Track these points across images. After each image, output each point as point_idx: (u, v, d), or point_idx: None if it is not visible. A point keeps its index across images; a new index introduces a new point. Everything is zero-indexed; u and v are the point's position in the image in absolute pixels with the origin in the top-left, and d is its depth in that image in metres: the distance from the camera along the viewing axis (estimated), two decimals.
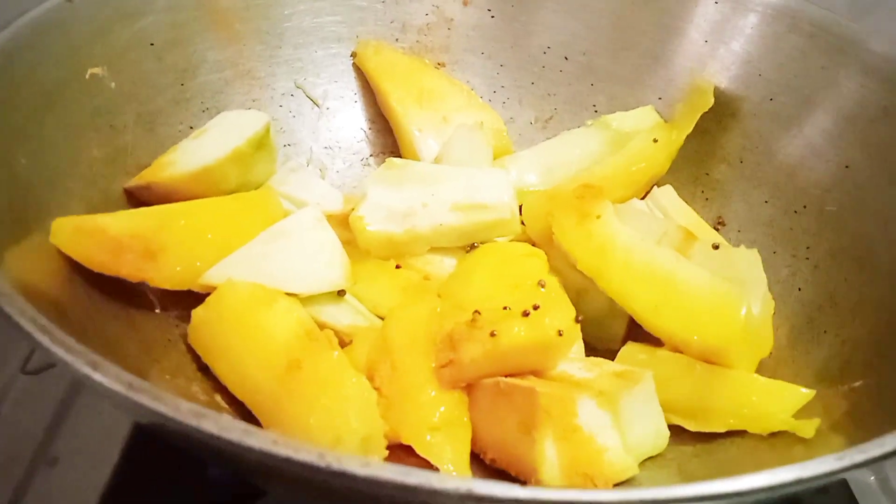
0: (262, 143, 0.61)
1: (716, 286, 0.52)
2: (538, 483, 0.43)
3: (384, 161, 0.62)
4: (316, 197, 0.62)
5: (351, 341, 0.52)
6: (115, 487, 0.55)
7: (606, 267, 0.55)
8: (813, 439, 0.44)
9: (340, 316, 0.54)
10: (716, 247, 0.57)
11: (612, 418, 0.45)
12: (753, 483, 0.27)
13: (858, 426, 0.43)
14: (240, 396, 0.47)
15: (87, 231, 0.48)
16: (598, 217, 0.57)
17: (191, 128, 0.64)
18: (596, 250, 0.56)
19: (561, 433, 0.44)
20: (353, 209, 0.58)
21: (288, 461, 0.27)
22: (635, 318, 0.53)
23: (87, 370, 0.29)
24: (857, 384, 0.48)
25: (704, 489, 0.27)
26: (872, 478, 0.61)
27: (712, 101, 0.67)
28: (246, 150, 0.59)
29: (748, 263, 0.56)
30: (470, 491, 0.26)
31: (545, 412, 0.44)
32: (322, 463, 0.27)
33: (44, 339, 0.31)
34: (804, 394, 0.48)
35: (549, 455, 0.43)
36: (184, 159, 0.58)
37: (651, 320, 0.52)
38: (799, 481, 0.27)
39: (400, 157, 0.70)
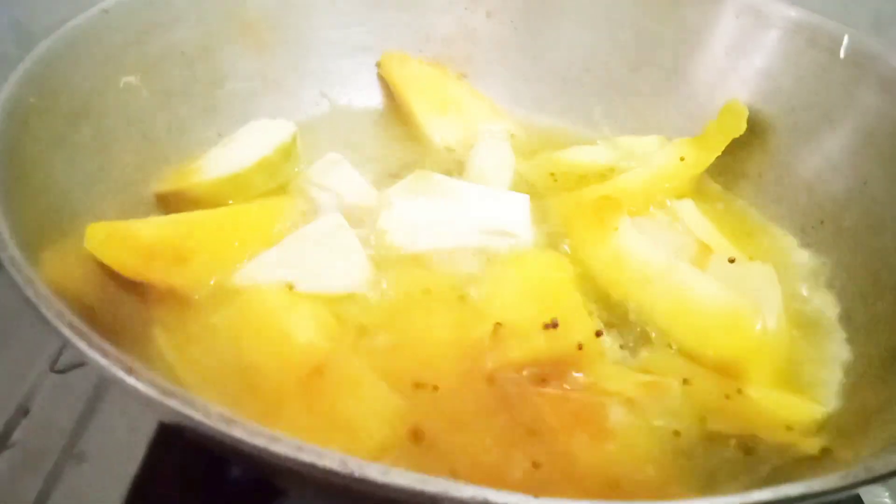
0: (288, 152, 0.63)
1: (730, 300, 0.53)
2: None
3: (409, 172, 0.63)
4: (350, 190, 0.62)
5: None
6: (141, 483, 0.56)
7: (624, 278, 0.56)
8: (821, 456, 0.44)
9: None
10: (732, 261, 0.57)
11: (642, 425, 0.46)
12: (759, 498, 0.28)
13: (869, 443, 0.43)
14: (257, 402, 0.48)
15: (119, 237, 0.50)
16: (616, 229, 0.58)
17: (219, 135, 0.66)
18: (612, 261, 0.57)
19: (592, 438, 0.45)
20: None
21: (312, 467, 0.28)
22: (656, 331, 0.54)
23: (122, 374, 0.31)
24: (868, 400, 0.48)
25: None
26: (887, 494, 0.61)
27: (745, 126, 0.67)
28: (274, 158, 0.61)
29: (764, 278, 0.56)
30: (486, 500, 0.27)
31: (576, 418, 0.45)
32: (345, 470, 0.28)
33: (80, 343, 0.32)
34: (816, 411, 0.48)
35: (581, 458, 0.44)
36: (212, 166, 0.60)
37: (668, 332, 0.53)
38: (804, 497, 0.28)
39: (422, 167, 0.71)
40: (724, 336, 0.52)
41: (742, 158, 0.68)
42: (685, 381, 0.48)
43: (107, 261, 0.49)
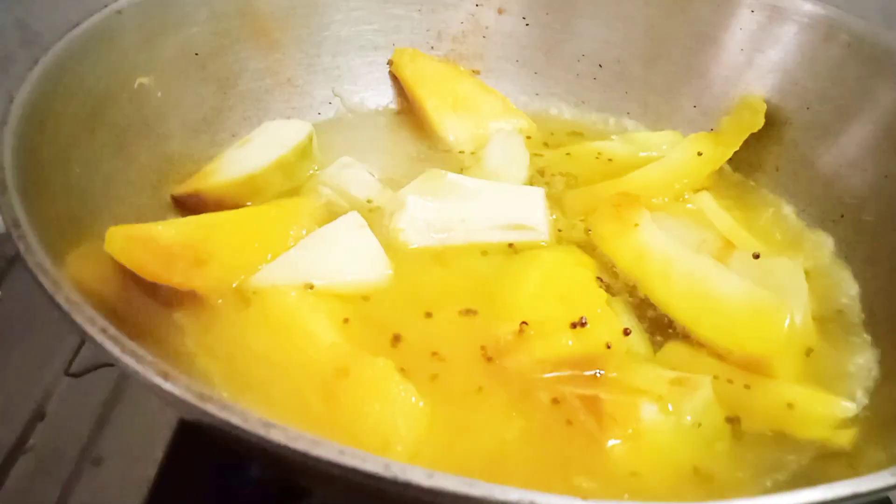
0: (305, 152, 0.62)
1: (757, 296, 0.53)
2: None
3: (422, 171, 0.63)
4: (364, 191, 0.63)
5: None
6: (159, 486, 0.56)
7: (646, 275, 0.56)
8: (851, 451, 0.44)
9: None
10: (756, 256, 0.57)
11: (675, 422, 0.45)
12: (808, 498, 0.28)
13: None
14: (280, 403, 0.48)
15: (139, 240, 0.49)
16: (637, 225, 0.58)
17: (233, 135, 0.65)
18: (635, 258, 0.57)
19: (626, 436, 0.44)
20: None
21: (354, 471, 0.28)
22: (682, 327, 0.54)
23: (157, 379, 0.31)
24: (892, 400, 0.48)
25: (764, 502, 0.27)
26: None
27: (762, 121, 0.67)
28: (290, 158, 0.61)
29: (789, 273, 0.56)
30: (533, 502, 0.27)
31: (610, 417, 0.45)
32: (388, 474, 0.28)
33: (114, 349, 0.32)
34: (844, 406, 0.48)
35: (615, 456, 0.44)
36: (229, 167, 0.60)
37: (692, 328, 0.53)
38: (855, 496, 0.28)
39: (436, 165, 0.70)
40: (751, 332, 0.51)
41: (758, 153, 0.68)
42: (714, 377, 0.48)
43: (127, 264, 0.48)
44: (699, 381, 0.47)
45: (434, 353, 0.50)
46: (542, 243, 0.59)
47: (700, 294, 0.54)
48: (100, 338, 0.32)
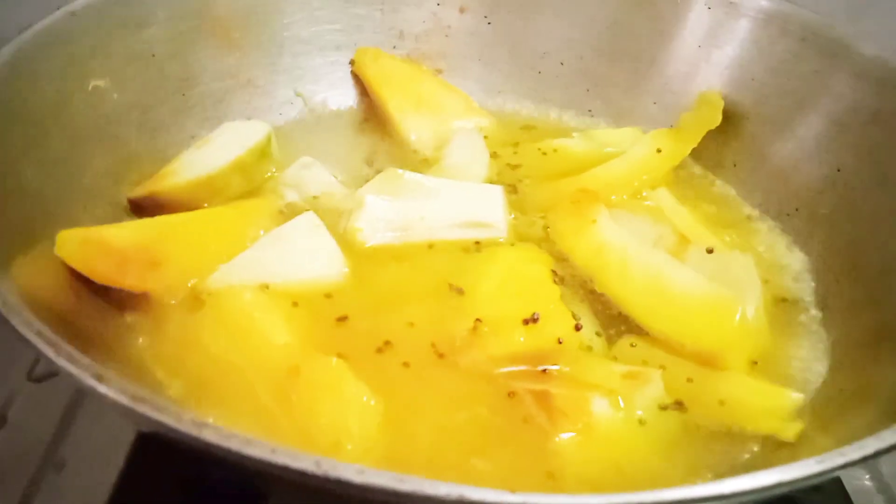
0: (263, 153, 0.62)
1: (709, 291, 0.53)
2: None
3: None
4: (324, 192, 0.63)
5: None
6: (121, 491, 0.55)
7: (603, 270, 0.57)
8: (800, 442, 0.44)
9: None
10: (710, 251, 0.58)
11: (625, 416, 0.46)
12: (736, 486, 0.28)
13: (847, 428, 0.44)
14: (235, 404, 0.48)
15: (91, 243, 0.49)
16: (594, 221, 0.59)
17: (192, 137, 0.65)
18: (592, 254, 0.58)
19: (577, 430, 0.45)
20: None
21: (286, 469, 0.28)
22: (636, 322, 0.54)
23: (91, 382, 0.30)
24: (845, 386, 0.48)
25: (689, 493, 0.28)
26: (868, 476, 0.62)
27: (720, 118, 0.67)
28: (248, 158, 0.61)
29: (742, 267, 0.56)
30: (461, 496, 0.27)
31: (561, 412, 0.45)
32: (319, 471, 0.28)
33: (48, 351, 0.32)
34: (793, 398, 0.48)
35: (566, 451, 0.44)
36: (186, 169, 0.60)
37: (647, 323, 0.54)
38: (780, 484, 0.28)
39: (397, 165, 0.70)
40: (704, 326, 0.52)
41: (717, 148, 0.69)
42: (664, 370, 0.48)
43: (79, 267, 0.48)
44: (650, 374, 0.47)
45: (389, 351, 0.50)
46: (501, 240, 0.60)
47: (654, 289, 0.54)
48: (34, 339, 0.32)
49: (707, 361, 0.51)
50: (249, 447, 0.28)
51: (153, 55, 0.63)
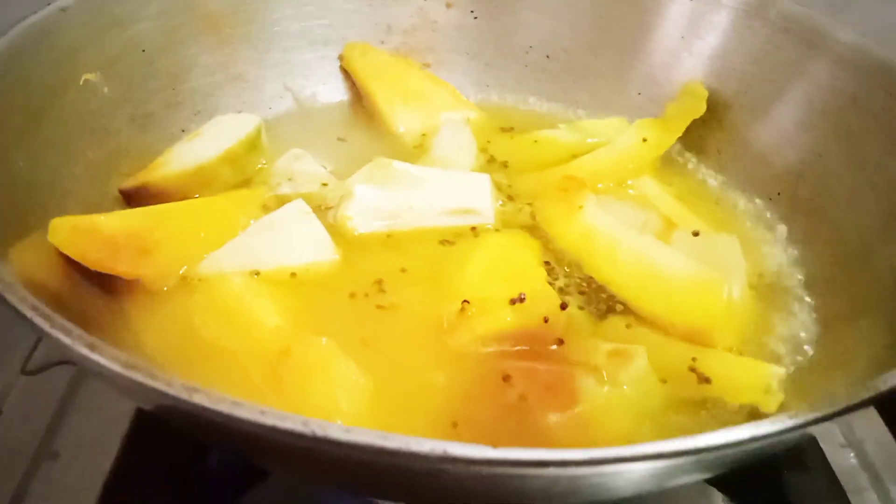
0: (253, 145, 0.63)
1: (697, 271, 0.54)
2: None
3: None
4: (314, 182, 0.63)
5: None
6: (115, 479, 0.56)
7: (591, 255, 0.58)
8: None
9: None
10: (696, 234, 0.59)
11: (610, 392, 0.46)
12: (710, 441, 0.29)
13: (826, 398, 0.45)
14: (228, 388, 0.48)
15: (83, 230, 0.50)
16: (581, 207, 0.59)
17: (182, 130, 0.66)
18: (580, 239, 0.58)
19: (563, 407, 0.45)
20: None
21: (274, 430, 0.29)
22: (623, 303, 0.55)
23: (85, 351, 0.31)
24: (826, 360, 0.49)
25: (661, 447, 0.28)
26: (853, 455, 0.63)
27: (705, 107, 0.68)
28: (238, 150, 0.62)
29: (728, 249, 0.57)
30: (445, 452, 0.28)
31: (548, 388, 0.46)
32: (307, 430, 0.28)
33: (44, 325, 0.33)
34: (775, 372, 0.49)
35: (552, 426, 0.45)
36: (177, 160, 0.60)
37: (637, 305, 0.54)
38: (754, 439, 0.29)
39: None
40: (692, 305, 0.53)
41: (701, 136, 0.70)
42: (652, 347, 0.49)
43: (71, 253, 0.49)
44: (635, 351, 0.48)
45: (379, 334, 0.51)
46: (489, 227, 0.61)
47: (643, 271, 0.55)
48: (30, 314, 0.33)
49: (695, 340, 0.52)
50: (238, 409, 0.29)
51: (143, 50, 0.64)
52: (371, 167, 0.62)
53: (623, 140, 0.70)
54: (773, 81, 0.66)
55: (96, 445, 0.59)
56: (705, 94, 0.69)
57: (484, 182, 0.63)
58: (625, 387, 0.47)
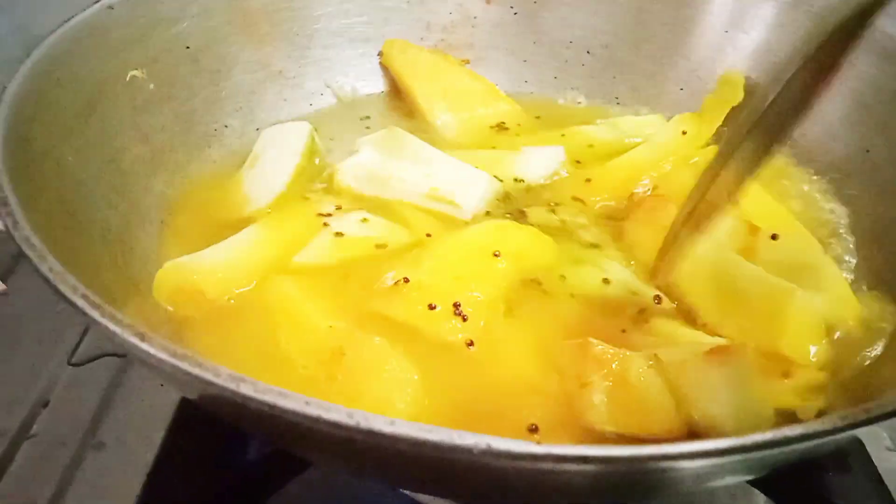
0: (312, 150, 0.64)
1: (774, 286, 0.52)
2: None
3: None
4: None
5: None
6: (159, 469, 0.57)
7: (676, 275, 0.55)
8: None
9: None
10: (774, 237, 0.56)
11: (663, 381, 0.44)
12: (756, 440, 0.29)
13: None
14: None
15: (188, 292, 0.52)
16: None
17: (225, 126, 0.67)
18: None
19: (611, 386, 0.44)
20: None
21: (319, 420, 0.29)
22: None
23: (134, 340, 0.32)
24: (871, 363, 0.48)
25: (707, 446, 0.28)
26: (888, 441, 0.61)
27: (742, 94, 0.67)
28: (303, 163, 0.63)
29: (808, 249, 0.56)
30: (489, 446, 0.28)
31: (598, 361, 0.45)
32: (351, 422, 0.29)
33: (94, 314, 0.33)
34: (817, 377, 0.48)
35: (597, 403, 0.44)
36: (256, 194, 0.61)
37: (717, 328, 0.52)
38: (803, 437, 0.29)
39: None
40: (770, 327, 0.50)
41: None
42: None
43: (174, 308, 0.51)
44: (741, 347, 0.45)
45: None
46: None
47: (724, 292, 0.53)
48: (80, 303, 0.34)
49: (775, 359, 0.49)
50: (284, 399, 0.29)
51: (187, 47, 0.65)
52: (384, 133, 0.63)
53: (662, 135, 0.69)
54: None
55: (140, 436, 0.61)
56: (742, 80, 0.68)
57: (482, 181, 0.63)
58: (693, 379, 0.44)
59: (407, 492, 0.52)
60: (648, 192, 0.63)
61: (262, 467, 0.58)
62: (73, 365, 0.67)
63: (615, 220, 0.62)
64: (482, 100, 0.74)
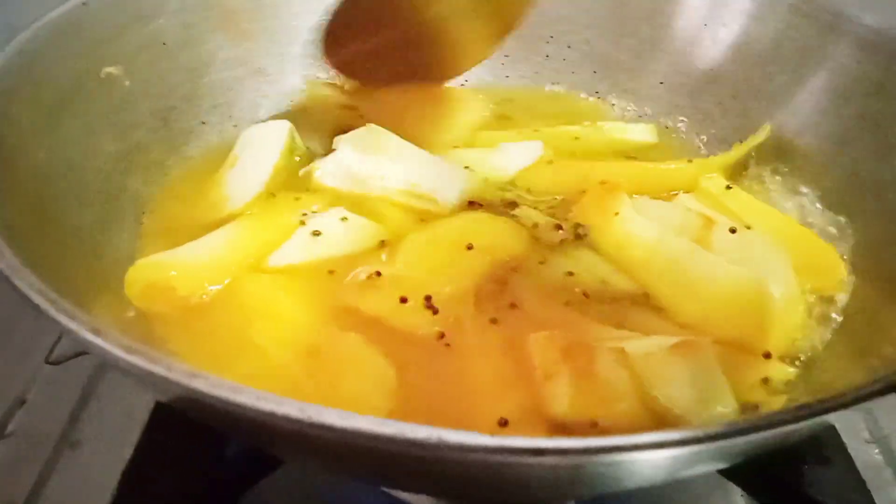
0: (291, 149, 0.64)
1: (735, 275, 0.52)
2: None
3: None
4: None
5: None
6: (134, 467, 0.56)
7: (629, 262, 0.56)
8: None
9: None
10: (733, 231, 0.56)
11: (630, 374, 0.44)
12: (717, 430, 0.28)
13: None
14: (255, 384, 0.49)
15: (159, 289, 0.51)
16: (616, 214, 0.58)
17: (203, 123, 0.66)
18: (617, 246, 0.57)
19: (576, 378, 0.44)
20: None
21: (272, 415, 0.29)
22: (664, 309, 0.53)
23: (88, 336, 0.32)
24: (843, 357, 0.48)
25: (654, 438, 0.28)
26: (877, 451, 0.61)
27: (764, 135, 0.65)
28: (282, 162, 0.63)
29: (767, 245, 0.55)
30: (440, 439, 0.28)
31: (564, 353, 0.45)
32: (303, 416, 0.28)
33: (48, 308, 0.33)
34: (786, 372, 0.48)
35: (561, 395, 0.44)
36: (236, 194, 0.61)
37: (677, 314, 0.52)
38: (766, 426, 0.29)
39: None
40: (733, 313, 0.50)
41: (723, 125, 0.69)
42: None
43: (144, 308, 0.50)
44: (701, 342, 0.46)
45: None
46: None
47: (681, 279, 0.53)
48: (36, 298, 0.33)
49: (740, 346, 0.49)
50: (237, 394, 0.29)
51: (164, 44, 0.65)
52: (363, 131, 0.63)
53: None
54: (797, 67, 0.65)
55: (117, 434, 0.60)
56: (767, 129, 0.66)
57: (461, 179, 0.63)
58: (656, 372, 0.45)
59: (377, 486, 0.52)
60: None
61: (239, 465, 0.58)
62: (51, 363, 0.67)
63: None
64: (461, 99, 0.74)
